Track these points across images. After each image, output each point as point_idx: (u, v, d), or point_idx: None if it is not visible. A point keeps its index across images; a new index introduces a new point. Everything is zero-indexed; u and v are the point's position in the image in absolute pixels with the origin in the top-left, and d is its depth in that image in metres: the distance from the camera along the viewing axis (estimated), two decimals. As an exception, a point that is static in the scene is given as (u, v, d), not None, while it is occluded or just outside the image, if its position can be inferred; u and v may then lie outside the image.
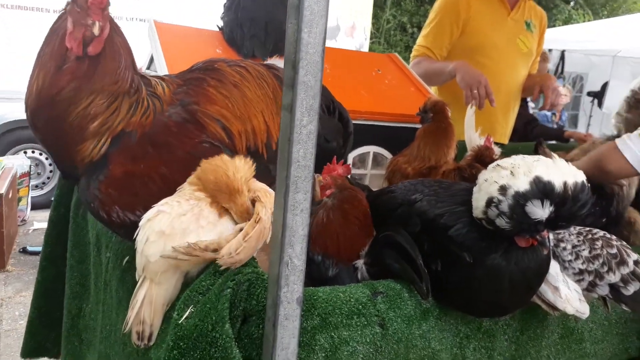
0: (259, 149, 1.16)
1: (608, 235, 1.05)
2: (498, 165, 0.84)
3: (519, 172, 0.80)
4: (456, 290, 0.90)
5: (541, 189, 0.77)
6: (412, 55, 2.65)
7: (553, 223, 0.80)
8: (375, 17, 12.59)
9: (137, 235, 0.89)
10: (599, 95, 9.18)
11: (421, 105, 1.60)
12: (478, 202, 0.85)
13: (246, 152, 1.15)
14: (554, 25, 13.05)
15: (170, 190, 1.03)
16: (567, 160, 1.79)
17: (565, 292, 0.95)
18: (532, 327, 1.07)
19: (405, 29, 13.06)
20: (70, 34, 0.98)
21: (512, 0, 2.64)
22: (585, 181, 0.79)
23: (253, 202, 0.89)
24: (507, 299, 0.91)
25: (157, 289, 0.85)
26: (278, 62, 1.32)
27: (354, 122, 1.71)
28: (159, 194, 1.04)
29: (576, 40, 10.15)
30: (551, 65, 10.27)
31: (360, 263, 1.01)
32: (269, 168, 1.18)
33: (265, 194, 0.90)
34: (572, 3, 15.39)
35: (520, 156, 0.84)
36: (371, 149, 1.80)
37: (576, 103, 10.03)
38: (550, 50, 10.11)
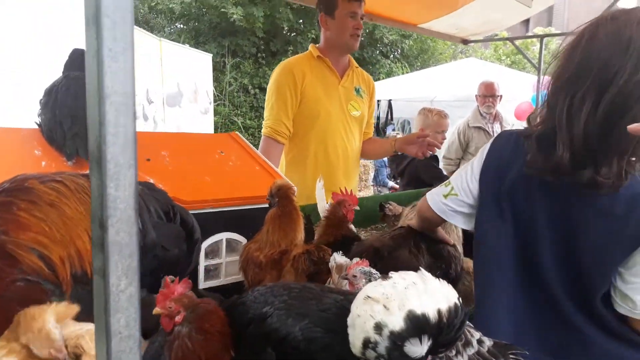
0: (87, 272, 1.01)
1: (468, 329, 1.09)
2: (369, 297, 0.75)
3: (392, 305, 0.72)
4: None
5: (416, 325, 0.71)
6: (265, 132, 2.70)
7: (433, 351, 0.75)
8: (217, 80, 12.77)
9: None
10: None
11: (268, 190, 1.58)
12: (354, 340, 0.76)
13: (71, 279, 0.99)
14: (379, 79, 14.55)
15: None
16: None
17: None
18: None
19: (247, 90, 13.43)
20: None
21: (341, 70, 2.85)
22: (457, 301, 0.75)
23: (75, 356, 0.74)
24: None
25: None
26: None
27: (200, 211, 1.62)
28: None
29: (399, 90, 11.42)
30: (382, 113, 11.37)
31: (219, 396, 0.90)
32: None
33: (91, 339, 0.76)
34: (391, 57, 17.35)
35: (392, 282, 0.76)
36: (223, 236, 1.72)
37: (405, 145, 11.16)
38: (379, 100, 11.23)
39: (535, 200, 1.22)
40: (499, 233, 1.31)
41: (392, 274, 0.77)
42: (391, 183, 9.78)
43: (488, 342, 1.03)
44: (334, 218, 1.83)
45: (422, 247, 1.71)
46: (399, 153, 2.99)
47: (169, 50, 8.55)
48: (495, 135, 1.45)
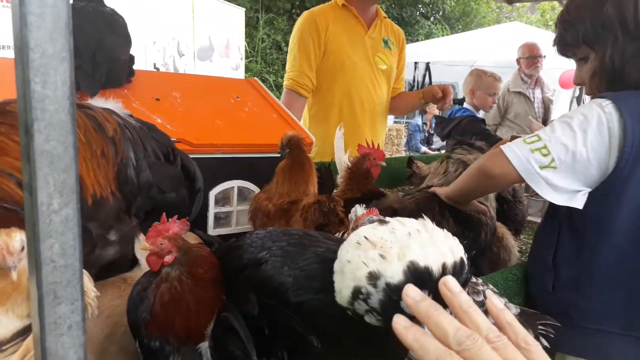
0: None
1: (474, 280, 0.97)
2: (366, 239, 0.63)
3: (391, 254, 0.61)
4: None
5: (418, 279, 0.60)
6: (287, 84, 2.59)
7: None
8: (250, 36, 12.55)
9: None
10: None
11: (278, 142, 1.48)
12: (342, 288, 0.65)
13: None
14: (417, 40, 14.00)
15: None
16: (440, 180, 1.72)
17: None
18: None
19: (280, 47, 13.16)
20: None
21: (368, 20, 2.67)
22: (464, 257, 0.64)
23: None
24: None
25: None
26: (95, 101, 1.10)
27: (210, 156, 1.53)
28: None
29: (438, 52, 10.95)
30: (419, 76, 10.98)
31: (204, 346, 0.82)
32: (87, 228, 0.96)
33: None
34: (431, 18, 16.68)
35: (390, 228, 0.65)
36: (235, 183, 1.63)
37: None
38: (416, 63, 10.82)
39: None
40: None
41: (389, 218, 0.65)
42: (424, 148, 9.54)
43: (514, 310, 0.92)
44: (356, 171, 1.71)
45: (447, 214, 1.55)
46: (442, 115, 2.87)
47: (201, 2, 8.38)
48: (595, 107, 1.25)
